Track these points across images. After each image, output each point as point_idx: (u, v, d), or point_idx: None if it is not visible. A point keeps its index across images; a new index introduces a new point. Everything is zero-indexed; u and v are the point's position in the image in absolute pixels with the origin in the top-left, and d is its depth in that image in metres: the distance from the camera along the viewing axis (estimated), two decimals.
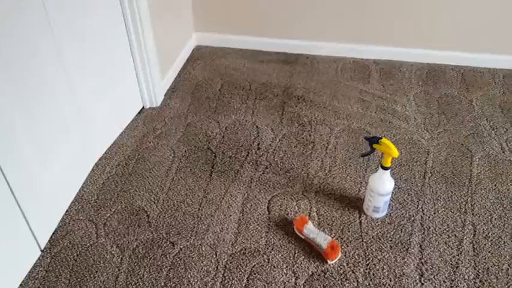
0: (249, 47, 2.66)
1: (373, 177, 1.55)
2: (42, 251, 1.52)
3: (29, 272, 1.46)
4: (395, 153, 1.43)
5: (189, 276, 1.44)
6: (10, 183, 1.32)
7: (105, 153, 1.92)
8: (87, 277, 1.44)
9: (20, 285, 1.42)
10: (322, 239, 1.48)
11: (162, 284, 1.42)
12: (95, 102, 1.79)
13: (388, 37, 2.47)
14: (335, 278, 1.43)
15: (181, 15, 2.50)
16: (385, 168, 1.49)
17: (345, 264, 1.47)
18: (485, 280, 1.41)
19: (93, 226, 1.60)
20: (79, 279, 1.43)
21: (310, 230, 1.52)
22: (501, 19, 2.29)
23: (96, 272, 1.45)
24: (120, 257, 1.50)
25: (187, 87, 2.34)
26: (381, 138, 1.45)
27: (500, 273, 1.43)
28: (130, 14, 1.88)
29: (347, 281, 1.42)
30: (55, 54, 1.51)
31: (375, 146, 1.47)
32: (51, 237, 1.57)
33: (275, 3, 2.46)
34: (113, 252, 1.51)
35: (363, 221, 1.61)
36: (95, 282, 1.42)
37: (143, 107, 2.19)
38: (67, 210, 1.66)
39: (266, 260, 1.48)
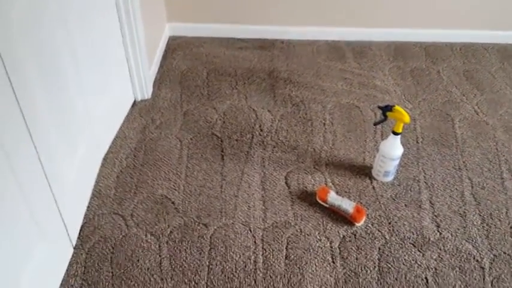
0: (224, 35, 2.70)
1: (384, 143, 1.68)
2: (74, 248, 1.49)
3: (67, 270, 1.43)
4: (407, 119, 1.58)
5: (231, 253, 1.49)
6: (47, 175, 1.29)
7: (110, 147, 1.89)
8: (130, 267, 1.44)
9: (61, 285, 1.39)
10: (348, 205, 1.60)
11: (207, 263, 1.46)
12: (95, 95, 1.76)
13: (357, 19, 2.63)
14: (365, 238, 1.55)
15: (155, 7, 2.48)
16: (397, 134, 1.63)
17: (370, 225, 1.60)
18: (491, 224, 1.61)
19: (121, 218, 1.59)
20: (122, 270, 1.43)
21: (334, 198, 1.63)
22: None
23: (138, 261, 1.46)
24: (158, 244, 1.51)
25: (173, 78, 2.35)
26: (394, 106, 1.59)
27: (501, 216, 1.64)
28: (123, 5, 1.85)
29: (376, 239, 1.55)
30: (69, 51, 1.47)
31: (388, 113, 1.61)
32: (79, 234, 1.54)
33: None
34: (149, 240, 1.52)
35: (375, 185, 1.75)
36: (139, 271, 1.43)
37: (135, 100, 2.17)
38: (88, 207, 1.63)
39: (299, 230, 1.57)
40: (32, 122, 1.19)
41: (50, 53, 1.35)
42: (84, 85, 1.61)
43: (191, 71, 2.40)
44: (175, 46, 2.62)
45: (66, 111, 1.48)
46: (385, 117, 1.63)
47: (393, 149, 1.67)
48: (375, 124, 1.76)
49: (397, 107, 1.58)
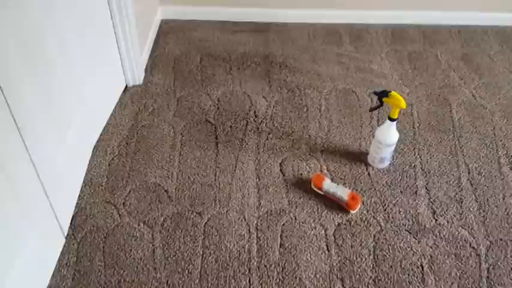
0: (218, 19, 2.65)
1: (380, 129, 1.66)
2: (66, 237, 1.47)
3: (58, 260, 1.41)
4: (403, 104, 1.55)
5: (225, 241, 1.48)
6: (35, 164, 1.26)
7: (101, 134, 1.86)
8: (123, 256, 1.42)
9: (53, 275, 1.38)
10: (343, 192, 1.58)
11: (201, 252, 1.44)
12: (85, 81, 1.71)
13: (354, 1, 2.58)
14: (360, 225, 1.54)
15: None
16: (393, 120, 1.60)
17: (365, 212, 1.58)
18: (487, 210, 1.60)
19: (113, 207, 1.57)
20: (114, 260, 1.42)
21: (329, 185, 1.61)
22: None
23: (131, 250, 1.44)
24: (151, 233, 1.49)
25: (166, 62, 2.30)
26: (390, 91, 1.56)
27: (498, 202, 1.62)
28: None
29: (371, 226, 1.53)
30: (57, 37, 1.43)
31: (384, 99, 1.57)
32: (71, 223, 1.52)
33: None
34: (141, 229, 1.50)
35: (370, 172, 1.73)
36: (132, 261, 1.41)
37: (126, 86, 2.13)
38: (79, 196, 1.61)
39: (293, 218, 1.56)
40: (17, 110, 1.16)
41: (37, 40, 1.31)
42: (74, 71, 1.58)
43: (184, 55, 2.35)
44: (167, 30, 2.56)
45: (54, 98, 1.44)
46: (381, 103, 1.60)
47: (389, 135, 1.64)
48: (371, 110, 1.73)
49: (393, 93, 1.55)
